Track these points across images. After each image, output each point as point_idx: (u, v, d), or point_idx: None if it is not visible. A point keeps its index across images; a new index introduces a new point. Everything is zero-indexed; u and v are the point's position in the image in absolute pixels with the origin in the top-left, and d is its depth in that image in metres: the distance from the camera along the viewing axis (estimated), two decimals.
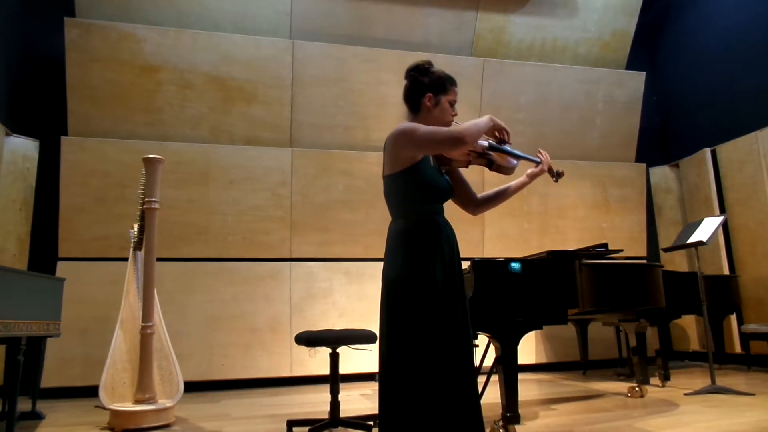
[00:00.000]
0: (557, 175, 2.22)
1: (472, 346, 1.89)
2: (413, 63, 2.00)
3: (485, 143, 2.02)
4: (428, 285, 1.81)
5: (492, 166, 2.04)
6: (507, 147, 2.07)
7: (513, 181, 2.15)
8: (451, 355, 1.78)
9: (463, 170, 2.13)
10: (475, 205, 2.15)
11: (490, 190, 2.16)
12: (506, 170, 2.08)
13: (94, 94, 4.82)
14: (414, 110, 1.98)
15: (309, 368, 4.93)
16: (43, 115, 4.97)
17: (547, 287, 2.93)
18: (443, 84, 1.96)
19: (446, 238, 1.90)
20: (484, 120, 1.90)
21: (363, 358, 4.60)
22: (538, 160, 2.17)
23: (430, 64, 1.99)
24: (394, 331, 1.82)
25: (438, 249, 1.85)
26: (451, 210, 2.29)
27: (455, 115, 1.99)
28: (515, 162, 2.08)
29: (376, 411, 3.25)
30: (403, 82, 2.01)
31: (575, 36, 6.10)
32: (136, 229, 3.67)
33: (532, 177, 2.16)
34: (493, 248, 5.68)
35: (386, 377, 1.83)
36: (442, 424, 1.74)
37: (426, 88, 1.94)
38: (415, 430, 1.74)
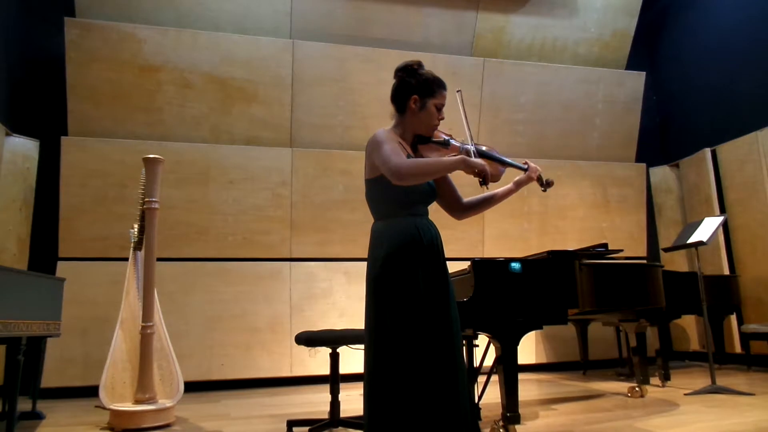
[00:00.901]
0: (546, 185, 2.17)
1: (460, 347, 1.86)
2: (402, 63, 1.97)
3: (471, 148, 1.98)
4: (408, 285, 1.79)
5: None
6: (494, 153, 2.05)
7: (499, 189, 2.11)
8: (435, 356, 1.76)
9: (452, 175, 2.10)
10: (460, 210, 2.11)
11: (476, 196, 2.12)
12: (493, 177, 2.02)
13: (94, 94, 4.82)
14: (399, 111, 1.96)
15: (309, 368, 4.92)
16: (43, 115, 4.97)
17: (547, 287, 2.92)
18: (431, 87, 1.92)
19: (428, 238, 1.87)
20: (450, 161, 1.79)
21: (363, 358, 4.60)
22: (525, 167, 2.12)
23: (419, 65, 1.96)
24: (377, 331, 1.82)
25: (418, 249, 1.84)
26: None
27: (442, 119, 1.96)
28: (502, 169, 2.06)
29: None
30: None
31: (575, 36, 6.10)
32: (136, 229, 3.67)
33: (519, 185, 2.09)
34: (493, 248, 5.68)
35: (370, 378, 1.81)
36: (429, 424, 1.72)
37: (412, 89, 1.91)
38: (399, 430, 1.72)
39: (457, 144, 2.01)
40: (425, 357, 1.75)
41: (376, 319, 1.82)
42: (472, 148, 1.97)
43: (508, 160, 2.09)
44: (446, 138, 2.01)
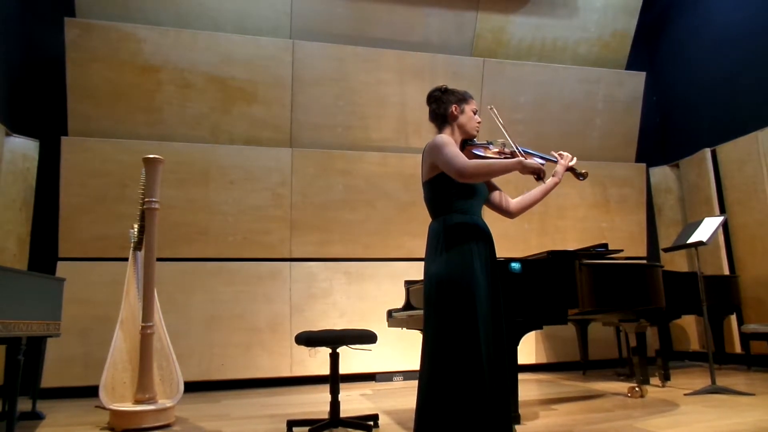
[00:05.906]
0: (582, 176, 2.32)
1: (505, 343, 1.98)
2: (433, 88, 2.23)
3: (514, 148, 2.17)
4: (469, 282, 1.90)
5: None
6: (532, 151, 2.24)
7: (543, 184, 2.24)
8: (488, 351, 1.87)
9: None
10: (510, 208, 2.27)
11: (524, 194, 2.28)
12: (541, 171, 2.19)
13: (94, 94, 4.82)
14: (443, 123, 2.18)
15: (309, 368, 4.93)
16: (43, 115, 4.97)
17: (547, 287, 2.93)
18: (464, 97, 2.21)
19: (485, 237, 2.02)
20: (508, 162, 2.00)
21: (363, 358, 4.60)
22: (555, 159, 2.29)
23: (447, 86, 2.23)
24: (436, 327, 1.91)
25: (477, 247, 1.97)
26: None
27: (480, 122, 2.21)
28: (543, 162, 2.20)
29: (375, 411, 3.25)
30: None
31: (575, 36, 6.10)
32: (136, 229, 3.67)
33: (559, 175, 2.27)
34: None
35: (427, 373, 1.91)
36: (478, 417, 1.81)
37: (450, 102, 2.18)
38: (450, 423, 1.81)
39: (497, 147, 2.22)
40: (481, 354, 1.86)
41: (438, 316, 1.92)
42: (515, 148, 2.18)
43: (542, 154, 2.27)
44: (487, 141, 2.26)
